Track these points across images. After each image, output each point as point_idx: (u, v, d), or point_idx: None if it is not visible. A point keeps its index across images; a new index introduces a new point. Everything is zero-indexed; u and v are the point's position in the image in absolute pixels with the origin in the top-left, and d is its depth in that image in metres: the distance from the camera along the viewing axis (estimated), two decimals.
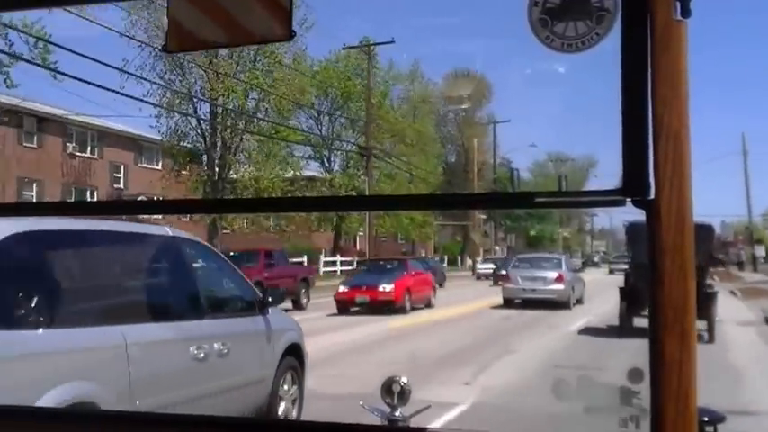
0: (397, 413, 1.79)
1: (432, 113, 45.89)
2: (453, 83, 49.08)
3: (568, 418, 1.50)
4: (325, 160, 36.06)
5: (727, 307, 17.18)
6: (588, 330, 13.92)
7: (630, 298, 13.28)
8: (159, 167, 32.60)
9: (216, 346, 4.63)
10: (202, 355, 4.50)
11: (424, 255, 40.31)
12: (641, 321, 12.45)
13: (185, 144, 28.37)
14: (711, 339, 11.85)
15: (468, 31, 60.42)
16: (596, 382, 1.43)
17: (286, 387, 5.58)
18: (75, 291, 4.09)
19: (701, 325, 11.83)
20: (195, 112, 28.77)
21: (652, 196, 0.89)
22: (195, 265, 4.95)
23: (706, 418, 1.48)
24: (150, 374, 4.13)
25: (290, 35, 1.05)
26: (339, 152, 36.05)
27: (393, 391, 1.79)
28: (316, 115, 35.76)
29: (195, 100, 28.26)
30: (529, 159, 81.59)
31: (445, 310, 17.45)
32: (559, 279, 18.68)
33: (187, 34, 1.10)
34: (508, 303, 18.91)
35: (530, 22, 0.97)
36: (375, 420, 1.85)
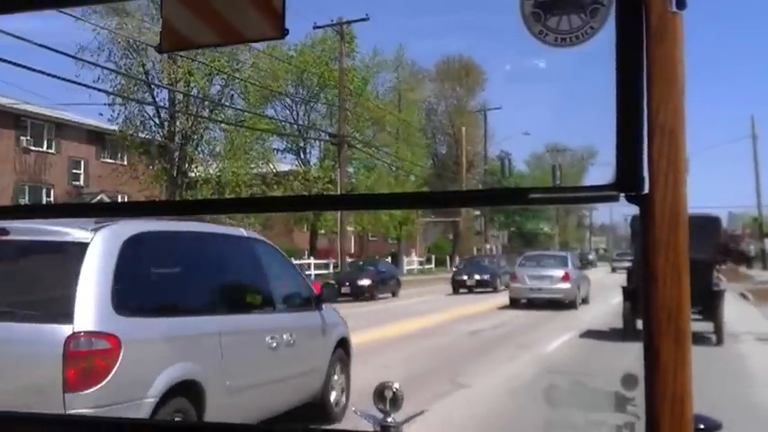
0: (389, 419, 1.93)
1: (420, 102, 47.05)
2: (445, 70, 50.53)
3: (563, 425, 1.59)
4: (302, 152, 36.27)
5: (741, 314, 16.36)
6: (570, 348, 12.76)
7: (635, 297, 13.14)
8: (125, 162, 32.12)
9: (285, 336, 5.84)
10: (275, 344, 5.69)
11: (413, 254, 41.36)
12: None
13: (142, 134, 27.65)
14: (720, 341, 12.09)
15: (463, 24, 62.58)
16: (589, 388, 1.54)
17: (336, 377, 6.81)
18: (180, 284, 5.22)
19: (708, 326, 12.01)
20: (154, 99, 28.10)
21: (646, 191, 0.94)
22: (265, 263, 6.04)
23: (702, 426, 1.55)
24: (237, 359, 5.30)
25: (283, 34, 1.16)
26: (317, 143, 36.18)
27: (385, 396, 1.93)
28: (289, 103, 35.93)
29: (152, 86, 27.63)
30: (525, 151, 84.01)
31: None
32: (566, 278, 20.24)
33: (181, 34, 1.22)
34: (515, 304, 20.32)
35: (522, 16, 1.03)
36: (367, 427, 1.98)
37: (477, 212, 47.57)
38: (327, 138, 33.64)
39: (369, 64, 37.75)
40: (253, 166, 30.56)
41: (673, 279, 0.92)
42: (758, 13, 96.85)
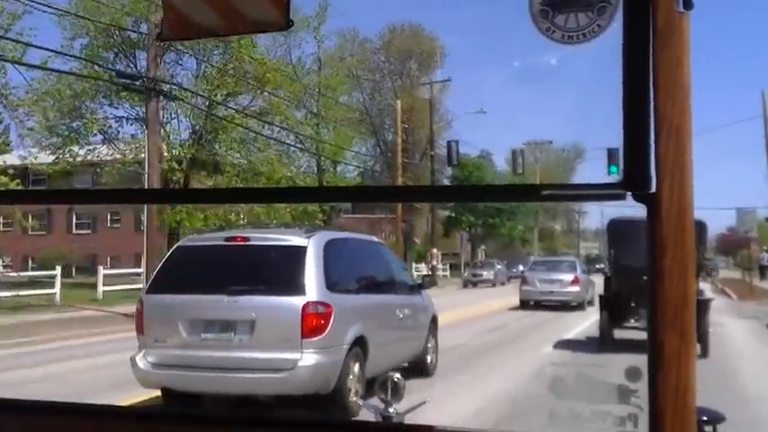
0: (391, 409, 2.76)
1: (365, 78, 51.88)
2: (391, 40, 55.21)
3: (567, 416, 2.03)
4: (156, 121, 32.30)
5: None
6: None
7: (612, 307, 16.63)
8: None
9: (405, 311, 11.44)
10: (401, 316, 11.31)
11: None
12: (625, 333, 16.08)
13: None
14: (705, 354, 14.35)
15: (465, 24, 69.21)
16: (594, 380, 2.09)
17: (430, 343, 12.62)
18: (353, 271, 10.76)
19: None
20: None
21: (653, 190, 1.32)
22: (388, 259, 11.78)
23: (705, 418, 2.17)
24: (385, 324, 10.84)
25: (287, 24, 1.62)
26: (187, 113, 34.84)
27: (387, 387, 2.80)
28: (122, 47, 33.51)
29: None
30: (505, 144, 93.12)
31: None
32: (575, 281, 28.71)
33: (182, 21, 1.67)
34: (524, 305, 28.20)
35: (530, 13, 1.45)
36: (369, 416, 2.82)
37: (448, 210, 53.07)
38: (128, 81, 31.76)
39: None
40: None
41: (679, 275, 1.29)
42: None
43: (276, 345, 9.61)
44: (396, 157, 49.63)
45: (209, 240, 10.95)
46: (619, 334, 16.86)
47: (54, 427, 1.95)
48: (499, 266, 53.02)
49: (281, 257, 10.15)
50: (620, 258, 16.59)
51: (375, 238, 13.09)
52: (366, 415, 3.13)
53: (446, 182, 57.36)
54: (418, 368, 12.24)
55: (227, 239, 10.51)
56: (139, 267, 32.86)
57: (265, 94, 36.52)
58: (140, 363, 9.95)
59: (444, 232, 59.88)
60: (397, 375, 2.99)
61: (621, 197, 1.38)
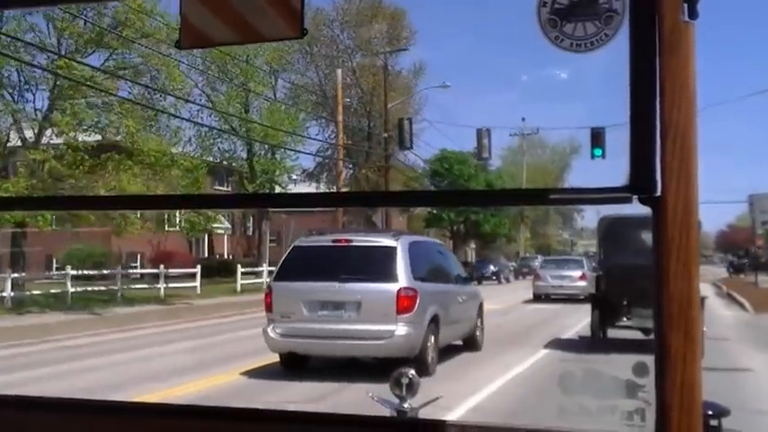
0: (405, 405, 3.23)
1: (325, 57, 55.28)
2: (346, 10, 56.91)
3: (576, 410, 2.45)
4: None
5: None
6: None
7: (604, 306, 18.80)
8: None
9: (463, 297, 17.48)
10: (461, 301, 17.32)
11: None
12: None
13: None
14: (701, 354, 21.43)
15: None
16: (602, 375, 2.51)
17: (479, 324, 18.76)
18: (426, 265, 16.77)
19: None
20: None
21: (659, 194, 1.58)
22: (447, 255, 18.11)
23: (710, 412, 2.59)
24: (450, 307, 16.82)
25: (301, 33, 1.98)
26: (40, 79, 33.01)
27: (402, 383, 3.29)
28: None
29: None
30: (502, 143, 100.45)
31: None
32: (583, 277, 37.48)
33: (199, 31, 2.02)
34: (537, 299, 36.52)
35: (539, 22, 1.76)
36: (384, 411, 3.25)
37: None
38: None
39: None
40: None
41: (684, 276, 1.56)
42: None
43: (377, 319, 15.17)
44: (339, 136, 49.64)
45: (318, 242, 16.72)
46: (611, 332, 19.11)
47: (53, 426, 2.39)
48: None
49: (377, 254, 15.78)
50: (612, 256, 18.86)
51: (438, 241, 19.71)
52: (380, 410, 3.51)
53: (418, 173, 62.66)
54: (470, 343, 18.62)
55: (333, 241, 16.32)
56: (50, 270, 34.93)
57: (139, 47, 34.10)
58: (271, 333, 15.68)
59: (424, 230, 64.69)
60: (412, 371, 3.57)
61: (628, 200, 1.66)
